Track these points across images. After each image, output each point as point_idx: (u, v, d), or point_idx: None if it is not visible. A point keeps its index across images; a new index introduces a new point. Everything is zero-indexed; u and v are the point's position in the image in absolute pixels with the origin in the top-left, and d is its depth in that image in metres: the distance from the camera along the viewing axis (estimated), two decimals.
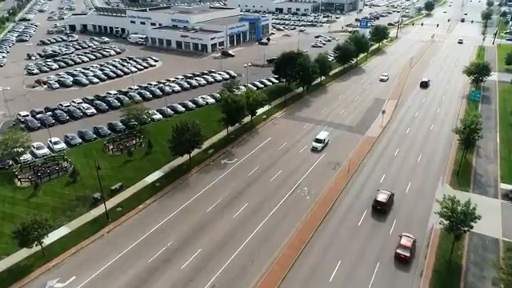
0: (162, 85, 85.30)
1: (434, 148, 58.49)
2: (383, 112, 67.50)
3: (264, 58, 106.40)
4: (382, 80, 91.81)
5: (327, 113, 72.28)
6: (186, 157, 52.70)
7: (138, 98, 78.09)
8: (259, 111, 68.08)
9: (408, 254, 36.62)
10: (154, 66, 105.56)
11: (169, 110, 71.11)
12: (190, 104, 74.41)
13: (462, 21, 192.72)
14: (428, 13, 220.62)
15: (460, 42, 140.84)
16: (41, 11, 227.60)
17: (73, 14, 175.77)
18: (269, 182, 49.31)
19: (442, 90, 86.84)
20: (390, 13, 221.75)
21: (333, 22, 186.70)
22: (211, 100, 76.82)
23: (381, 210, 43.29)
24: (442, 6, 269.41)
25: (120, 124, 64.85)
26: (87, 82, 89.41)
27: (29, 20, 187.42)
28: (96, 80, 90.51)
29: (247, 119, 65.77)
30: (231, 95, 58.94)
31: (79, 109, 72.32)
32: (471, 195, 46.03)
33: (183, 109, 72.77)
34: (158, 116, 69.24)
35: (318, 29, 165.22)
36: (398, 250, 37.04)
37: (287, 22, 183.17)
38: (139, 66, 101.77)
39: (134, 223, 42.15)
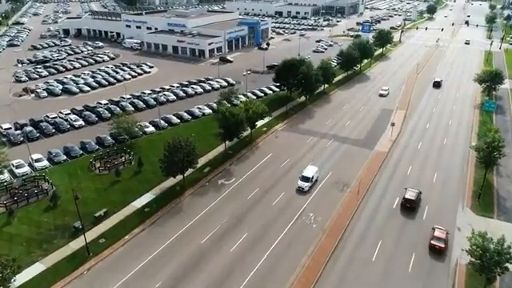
0: (156, 94, 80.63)
1: (449, 165, 53.75)
2: (392, 124, 62.80)
3: (264, 64, 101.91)
4: (381, 95, 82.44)
5: (332, 124, 67.59)
6: (179, 177, 47.93)
7: (130, 108, 73.39)
8: (259, 123, 63.49)
9: (443, 245, 37.65)
10: (149, 72, 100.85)
11: (162, 121, 66.33)
12: (186, 115, 69.63)
13: (467, 23, 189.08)
14: (430, 16, 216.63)
15: (467, 43, 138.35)
16: (35, 14, 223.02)
17: (67, 18, 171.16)
18: (270, 207, 44.50)
19: (452, 98, 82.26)
20: (391, 16, 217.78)
21: (334, 25, 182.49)
22: (208, 110, 72.06)
23: (410, 207, 43.89)
24: (442, 9, 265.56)
25: (109, 138, 60.02)
26: (77, 90, 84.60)
27: (22, 24, 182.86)
28: (87, 88, 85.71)
29: (246, 132, 61.08)
30: (229, 108, 54.09)
31: (66, 120, 67.54)
32: (496, 222, 41.40)
33: (178, 120, 67.98)
34: (151, 129, 64.43)
35: (318, 33, 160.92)
36: (433, 241, 38.11)
37: (287, 25, 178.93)
38: (133, 73, 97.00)
39: (118, 258, 37.21)
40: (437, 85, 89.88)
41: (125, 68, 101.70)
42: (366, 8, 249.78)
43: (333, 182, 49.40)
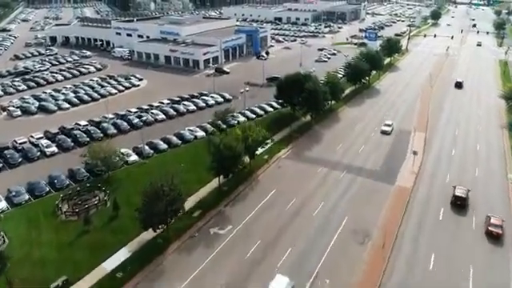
0: (143, 112, 71.73)
1: (488, 207, 44.87)
2: (415, 153, 53.99)
3: (263, 76, 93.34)
4: (384, 132, 64.69)
5: (343, 150, 58.80)
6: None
7: (113, 130, 64.54)
8: (260, 149, 54.77)
9: (500, 231, 39.50)
10: (138, 86, 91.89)
11: (147, 148, 57.40)
12: (175, 139, 60.62)
13: (474, 26, 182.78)
14: (434, 22, 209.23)
15: (479, 45, 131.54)
16: (25, 21, 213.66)
17: (55, 25, 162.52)
18: (274, 270, 35.56)
19: (475, 116, 73.67)
20: (394, 22, 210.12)
21: (335, 32, 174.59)
22: (200, 133, 63.11)
23: (460, 205, 44.37)
24: (445, 14, 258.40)
25: (83, 171, 51.00)
26: (55, 108, 75.59)
27: (9, 31, 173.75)
28: (66, 105, 76.71)
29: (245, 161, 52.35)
30: (223, 139, 45.01)
31: (37, 146, 58.55)
32: None
33: (165, 146, 58.95)
34: (134, 157, 55.36)
35: (320, 40, 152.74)
36: (490, 228, 39.84)
37: (287, 32, 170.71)
38: (120, 87, 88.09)
39: None
40: (459, 85, 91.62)
41: (111, 81, 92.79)
42: (367, 13, 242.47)
43: (351, 231, 40.44)
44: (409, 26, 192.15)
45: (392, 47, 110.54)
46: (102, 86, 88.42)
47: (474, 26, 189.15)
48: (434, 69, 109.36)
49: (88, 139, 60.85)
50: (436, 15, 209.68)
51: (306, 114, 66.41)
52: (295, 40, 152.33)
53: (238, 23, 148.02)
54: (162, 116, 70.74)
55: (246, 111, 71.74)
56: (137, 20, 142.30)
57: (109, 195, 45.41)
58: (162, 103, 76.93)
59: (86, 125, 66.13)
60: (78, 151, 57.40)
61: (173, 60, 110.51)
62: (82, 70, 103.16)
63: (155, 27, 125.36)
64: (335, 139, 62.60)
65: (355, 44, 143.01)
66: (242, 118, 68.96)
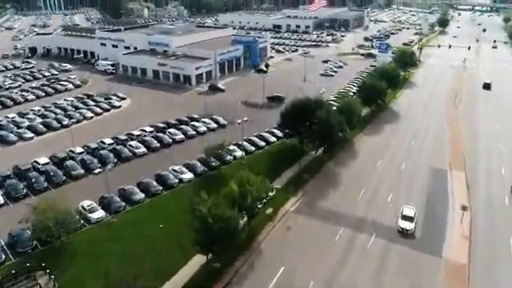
0: (119, 145, 59.30)
1: None
2: (464, 209, 41.81)
3: (263, 94, 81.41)
4: (403, 231, 40.34)
5: (367, 199, 46.48)
6: None
7: (80, 170, 52.10)
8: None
9: None
10: (119, 107, 79.46)
11: (117, 199, 45.00)
12: (154, 184, 48.00)
13: (484, 31, 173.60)
14: (442, 30, 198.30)
15: (494, 47, 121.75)
16: (9, 29, 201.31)
17: (36, 34, 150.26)
18: None
19: None
20: (399, 30, 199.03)
21: (339, 41, 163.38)
22: (187, 175, 50.59)
23: None
24: (450, 21, 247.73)
25: (27, 235, 38.46)
26: (15, 138, 63.17)
27: None
28: (29, 135, 64.22)
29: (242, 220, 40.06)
30: (212, 209, 32.41)
31: None
32: None
33: (142, 195, 46.41)
34: (99, 214, 42.83)
35: (323, 50, 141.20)
36: None
37: (287, 41, 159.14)
38: (97, 109, 75.85)
39: None
40: (487, 87, 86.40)
41: (88, 101, 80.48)
42: (370, 20, 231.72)
43: None
44: (417, 34, 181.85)
45: (406, 60, 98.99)
46: (77, 108, 76.00)
47: (484, 30, 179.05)
48: (453, 84, 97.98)
49: (45, 184, 48.53)
50: (443, 23, 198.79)
51: (318, 148, 54.11)
52: (296, 50, 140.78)
53: (235, 32, 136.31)
54: (142, 149, 58.40)
55: (244, 142, 59.51)
56: (124, 29, 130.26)
57: (54, 281, 32.91)
58: (144, 131, 64.48)
59: (47, 163, 53.60)
60: (32, 200, 44.96)
61: (161, 75, 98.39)
62: (58, 87, 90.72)
63: (143, 37, 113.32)
64: (355, 182, 50.32)
65: (362, 55, 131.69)
66: (238, 153, 56.71)
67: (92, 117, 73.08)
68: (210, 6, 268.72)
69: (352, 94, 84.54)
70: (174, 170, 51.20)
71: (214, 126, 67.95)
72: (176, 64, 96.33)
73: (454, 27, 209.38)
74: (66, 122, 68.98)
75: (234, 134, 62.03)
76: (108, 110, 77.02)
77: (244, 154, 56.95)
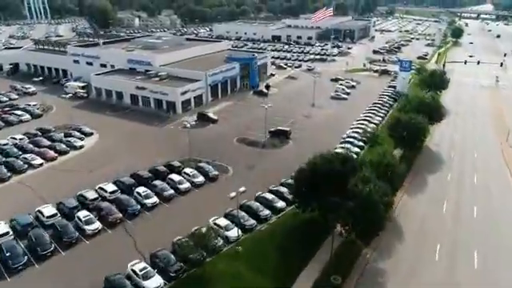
0: (58, 218, 41.68)
1: None
2: None
3: (265, 127, 64.43)
4: None
5: None
6: None
7: None
8: None
9: None
10: (81, 147, 61.87)
11: None
12: None
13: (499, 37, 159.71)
14: (455, 41, 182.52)
15: None
16: None
17: (5, 48, 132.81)
18: None
19: None
20: (409, 41, 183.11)
21: (346, 54, 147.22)
22: (156, 283, 33.36)
23: None
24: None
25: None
26: None
27: None
28: None
29: None
30: None
31: None
32: None
33: None
34: None
35: (329, 65, 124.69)
36: None
37: (288, 54, 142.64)
38: (51, 153, 58.17)
39: None
40: None
41: (42, 139, 62.94)
42: (376, 30, 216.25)
43: None
44: (429, 45, 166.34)
45: (436, 81, 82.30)
46: (24, 151, 58.56)
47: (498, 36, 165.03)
48: (494, 109, 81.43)
49: None
50: (457, 33, 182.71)
51: (351, 232, 36.42)
52: (300, 66, 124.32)
53: (231, 46, 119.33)
54: (95, 226, 40.70)
55: (240, 212, 41.92)
56: (104, 43, 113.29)
57: None
58: (104, 191, 47.02)
59: None
60: None
61: (141, 100, 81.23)
62: (11, 118, 73.34)
63: (121, 54, 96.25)
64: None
65: (376, 71, 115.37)
66: (233, 233, 39.26)
67: (42, 164, 55.52)
68: (205, 15, 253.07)
69: (374, 125, 67.91)
70: (134, 272, 33.53)
71: (201, 180, 50.50)
72: (157, 88, 79.05)
73: (465, 37, 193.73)
74: (3, 172, 51.60)
75: (228, 185, 45.30)
76: (65, 153, 59.43)
77: (240, 232, 39.56)
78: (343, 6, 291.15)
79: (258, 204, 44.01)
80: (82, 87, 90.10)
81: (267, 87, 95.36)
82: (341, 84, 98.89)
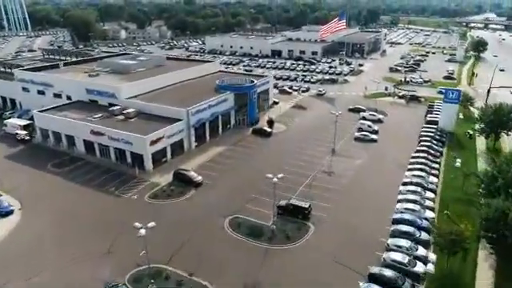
0: None
1: None
2: None
3: (274, 198, 41.94)
4: None
5: None
6: None
7: None
8: None
9: None
10: None
11: None
12: None
13: None
14: (476, 55, 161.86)
15: None
16: None
17: None
18: None
19: None
20: (425, 55, 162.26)
21: (359, 72, 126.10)
22: None
23: None
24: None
25: None
26: None
27: None
28: None
29: None
30: None
31: None
32: None
33: None
34: None
35: (342, 88, 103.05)
36: None
37: (292, 74, 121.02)
38: None
39: None
40: None
41: None
42: (386, 43, 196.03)
43: None
44: (450, 61, 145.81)
45: (502, 120, 60.45)
46: None
47: None
48: None
49: None
50: (480, 47, 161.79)
51: None
52: (308, 89, 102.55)
53: (222, 68, 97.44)
54: None
55: None
56: (64, 64, 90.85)
57: None
58: None
59: None
60: None
61: (98, 149, 58.85)
62: None
63: (80, 82, 73.67)
64: None
65: (402, 97, 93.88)
66: None
67: None
68: (197, 27, 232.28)
69: (432, 192, 46.01)
70: None
71: None
72: (118, 134, 56.44)
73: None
74: None
75: None
76: None
77: None
78: (345, 17, 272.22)
79: None
80: (25, 126, 67.85)
81: (270, 123, 73.38)
82: (364, 117, 77.12)
